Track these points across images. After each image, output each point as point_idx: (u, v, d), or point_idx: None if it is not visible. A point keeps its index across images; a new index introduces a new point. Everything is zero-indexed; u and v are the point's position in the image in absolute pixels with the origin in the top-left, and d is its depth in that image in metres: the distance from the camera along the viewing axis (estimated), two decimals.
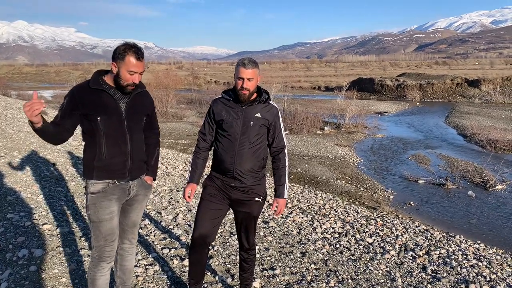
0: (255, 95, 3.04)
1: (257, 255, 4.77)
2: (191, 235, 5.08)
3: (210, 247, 4.79)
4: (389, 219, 7.29)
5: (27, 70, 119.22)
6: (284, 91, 27.85)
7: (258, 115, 3.00)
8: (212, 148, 3.22)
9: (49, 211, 5.35)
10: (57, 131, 2.59)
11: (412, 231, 6.66)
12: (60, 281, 3.58)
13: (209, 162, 3.31)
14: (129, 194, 2.85)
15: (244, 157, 2.99)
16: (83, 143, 2.79)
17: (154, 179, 3.11)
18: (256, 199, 3.12)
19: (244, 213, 3.14)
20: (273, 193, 3.28)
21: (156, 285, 3.70)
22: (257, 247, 5.01)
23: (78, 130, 2.81)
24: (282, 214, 6.79)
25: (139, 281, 3.74)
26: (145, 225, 5.51)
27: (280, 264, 4.56)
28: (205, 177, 3.28)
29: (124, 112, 2.75)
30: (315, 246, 5.39)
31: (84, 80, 2.81)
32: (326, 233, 6.14)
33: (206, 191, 3.17)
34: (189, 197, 3.15)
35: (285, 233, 5.83)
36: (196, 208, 6.07)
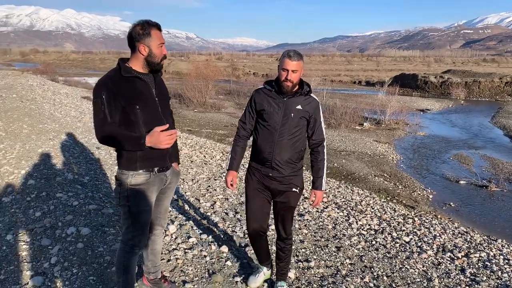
0: (297, 87, 3.05)
1: (292, 247, 4.80)
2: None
3: (246, 235, 4.89)
4: (427, 219, 7.14)
5: (74, 57, 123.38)
6: (323, 84, 27.55)
7: (299, 107, 3.03)
8: (251, 137, 3.27)
9: (94, 192, 5.61)
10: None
11: (451, 232, 6.50)
12: (104, 259, 3.76)
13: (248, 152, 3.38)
14: (165, 183, 2.89)
15: (283, 148, 3.03)
16: None
17: (179, 163, 3.13)
18: (294, 189, 3.17)
19: (281, 203, 3.20)
20: (310, 186, 3.30)
21: (195, 269, 3.81)
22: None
23: None
24: (317, 208, 6.78)
25: (178, 263, 3.87)
26: (184, 210, 5.67)
27: (315, 257, 4.57)
28: (245, 168, 3.35)
29: (156, 98, 2.74)
30: (351, 241, 5.36)
31: (108, 72, 2.68)
32: (362, 229, 6.09)
33: (249, 187, 3.26)
34: (231, 185, 3.25)
35: (320, 227, 5.83)
36: (233, 196, 6.16)
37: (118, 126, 2.59)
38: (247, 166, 3.37)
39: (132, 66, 2.65)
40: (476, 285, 4.38)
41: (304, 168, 3.41)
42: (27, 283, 3.35)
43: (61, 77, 38.31)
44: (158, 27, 2.63)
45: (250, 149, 3.29)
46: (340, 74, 64.72)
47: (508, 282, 4.62)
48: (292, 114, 3.01)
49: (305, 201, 7.17)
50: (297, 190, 3.19)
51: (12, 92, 12.34)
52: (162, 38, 2.66)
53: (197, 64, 38.50)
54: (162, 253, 4.01)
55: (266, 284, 3.64)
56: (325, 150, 3.23)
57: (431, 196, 9.23)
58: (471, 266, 5.02)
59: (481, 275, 4.74)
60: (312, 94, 3.12)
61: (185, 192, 6.66)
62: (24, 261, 3.68)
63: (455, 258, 5.27)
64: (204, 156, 9.84)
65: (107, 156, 7.73)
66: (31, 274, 3.46)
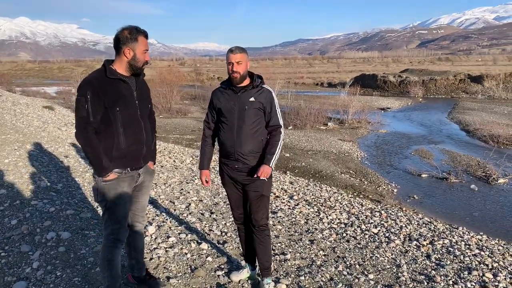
0: (248, 80, 3.26)
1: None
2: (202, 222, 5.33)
3: (223, 233, 5.04)
4: (393, 212, 7.45)
5: (30, 67, 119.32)
6: (287, 87, 27.94)
7: (252, 99, 3.22)
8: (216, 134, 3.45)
9: (69, 198, 5.62)
10: (98, 141, 2.72)
11: (416, 223, 6.81)
12: (88, 260, 3.82)
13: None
14: (136, 181, 3.01)
15: (243, 140, 3.21)
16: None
17: (155, 163, 3.26)
18: (255, 177, 3.29)
19: (252, 192, 3.33)
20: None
21: (177, 265, 3.93)
22: None
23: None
24: (289, 206, 6.98)
25: (161, 261, 3.98)
26: (161, 212, 5.76)
27: (290, 250, 4.77)
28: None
29: (137, 101, 2.87)
30: (323, 234, 5.58)
31: (92, 72, 2.82)
32: (333, 223, 6.32)
33: (222, 181, 3.47)
34: (206, 182, 3.43)
35: (293, 222, 6.03)
36: (207, 198, 6.29)
37: (99, 127, 2.73)
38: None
39: (116, 68, 2.78)
40: (441, 269, 4.66)
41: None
42: None
43: (18, 87, 37.06)
44: (145, 34, 2.79)
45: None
46: (303, 76, 65.60)
47: (470, 264, 4.94)
48: (247, 107, 3.20)
49: (276, 199, 7.36)
50: (265, 178, 3.31)
51: None
52: (147, 45, 2.81)
53: (160, 70, 38.18)
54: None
55: (250, 282, 3.74)
56: (281, 135, 3.35)
57: (395, 190, 9.60)
58: (436, 252, 5.31)
59: (445, 259, 5.03)
60: (264, 85, 3.31)
61: (159, 196, 6.73)
62: (4, 268, 3.68)
63: (421, 245, 5.56)
64: (174, 161, 9.87)
65: (76, 164, 7.68)
66: (13, 280, 3.48)
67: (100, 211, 5.22)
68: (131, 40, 2.72)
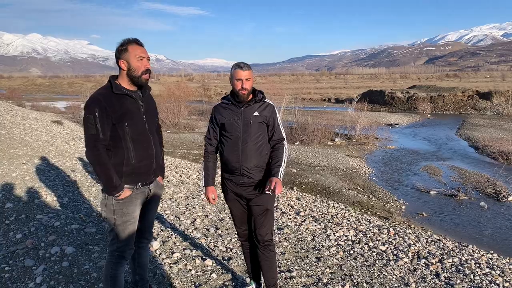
0: (251, 95, 3.26)
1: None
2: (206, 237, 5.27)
3: (229, 250, 4.99)
4: (401, 229, 7.35)
5: (41, 82, 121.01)
6: (294, 102, 27.99)
7: (256, 113, 3.22)
8: (219, 150, 3.42)
9: (75, 212, 5.62)
10: (109, 159, 2.71)
11: (425, 240, 6.71)
12: (91, 276, 3.79)
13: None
14: (147, 196, 2.99)
15: (248, 154, 3.19)
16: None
17: (163, 177, 3.24)
18: (266, 192, 3.28)
19: (257, 207, 3.30)
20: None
21: (181, 282, 3.88)
22: None
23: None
24: (295, 222, 6.91)
25: (164, 277, 3.93)
26: (166, 227, 5.74)
27: (296, 267, 4.70)
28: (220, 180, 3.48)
29: (144, 115, 2.87)
30: (330, 252, 5.50)
31: (99, 88, 2.81)
32: (340, 240, 6.24)
33: (226, 198, 3.43)
34: (213, 199, 3.38)
35: (300, 239, 5.96)
36: (213, 214, 6.26)
37: (108, 144, 2.72)
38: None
39: (121, 83, 2.78)
40: None
41: None
42: None
43: (28, 102, 37.54)
44: (136, 42, 2.77)
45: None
46: (310, 92, 65.84)
47: (480, 284, 4.83)
48: (251, 121, 3.20)
49: (283, 215, 7.29)
50: (270, 192, 3.30)
51: None
52: (142, 52, 2.77)
53: (168, 85, 38.53)
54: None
55: None
56: (285, 148, 3.34)
57: (403, 207, 9.49)
58: (445, 271, 5.21)
59: (455, 278, 4.93)
60: (266, 100, 3.32)
61: (165, 211, 6.71)
62: (8, 282, 3.66)
63: (430, 264, 5.46)
64: (180, 176, 9.86)
65: (83, 178, 7.69)
66: None
67: (105, 225, 5.20)
68: (122, 51, 2.73)
